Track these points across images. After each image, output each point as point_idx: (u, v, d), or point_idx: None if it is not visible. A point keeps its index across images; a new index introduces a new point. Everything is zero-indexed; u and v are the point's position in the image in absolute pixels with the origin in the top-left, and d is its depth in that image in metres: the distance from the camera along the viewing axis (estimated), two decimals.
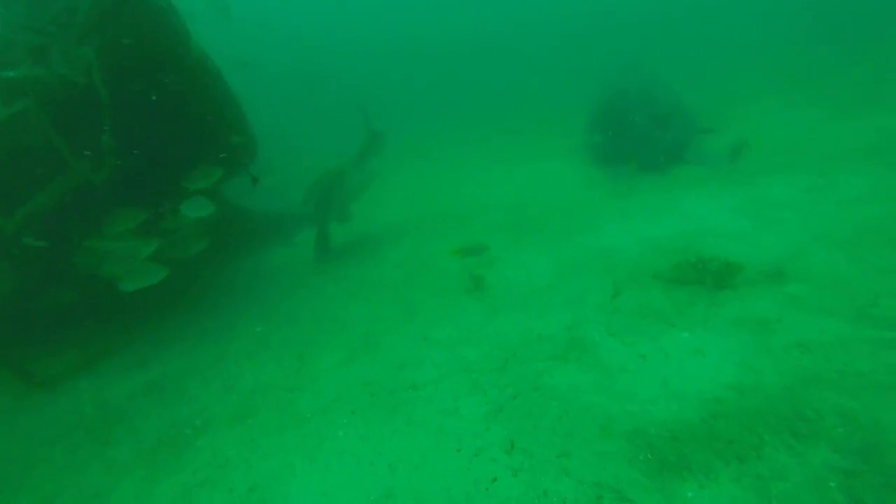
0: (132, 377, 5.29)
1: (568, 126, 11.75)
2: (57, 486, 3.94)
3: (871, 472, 2.45)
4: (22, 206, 5.01)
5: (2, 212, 4.95)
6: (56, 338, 6.21)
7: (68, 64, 4.81)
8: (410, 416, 3.92)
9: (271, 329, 6.17)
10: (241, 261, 8.78)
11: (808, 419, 2.80)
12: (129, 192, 5.10)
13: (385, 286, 6.68)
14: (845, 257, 4.15)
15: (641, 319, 4.21)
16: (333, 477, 3.40)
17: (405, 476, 3.26)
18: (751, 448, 2.74)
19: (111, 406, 4.86)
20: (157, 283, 5.16)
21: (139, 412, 4.60)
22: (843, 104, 8.97)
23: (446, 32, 33.29)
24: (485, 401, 3.85)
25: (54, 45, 5.12)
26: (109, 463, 4.06)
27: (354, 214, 9.33)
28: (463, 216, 8.45)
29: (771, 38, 17.75)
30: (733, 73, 14.14)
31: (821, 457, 2.60)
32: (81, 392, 5.22)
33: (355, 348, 5.22)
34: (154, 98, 4.85)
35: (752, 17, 21.82)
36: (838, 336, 3.26)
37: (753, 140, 8.35)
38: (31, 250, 5.08)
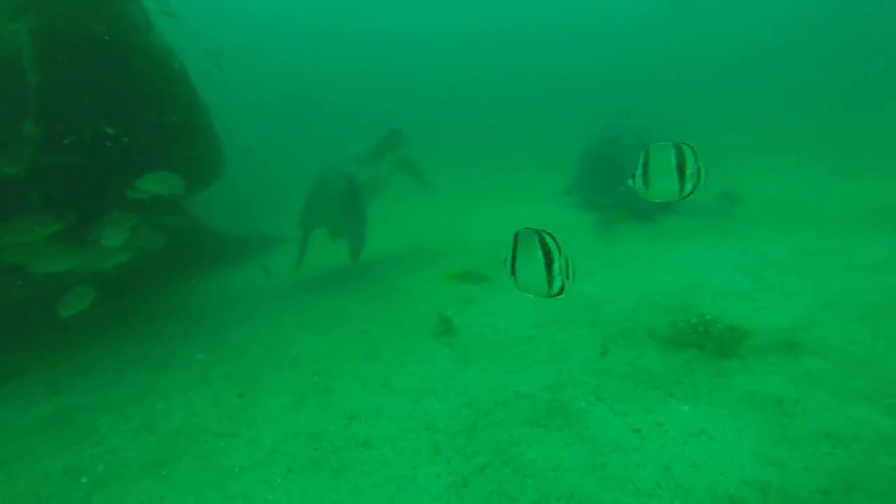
0: (36, 408, 4.47)
1: (559, 169, 11.38)
2: None
3: None
4: None
5: None
6: None
7: None
8: (357, 482, 3.21)
9: (214, 360, 5.42)
10: (197, 283, 8.02)
11: None
12: (60, 193, 4.41)
13: (348, 321, 5.99)
14: (867, 331, 3.62)
15: (635, 385, 3.60)
16: None
17: None
18: None
19: None
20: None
21: (30, 453, 3.78)
22: (839, 165, 8.71)
23: (446, 72, 33.50)
24: (448, 470, 3.17)
25: None
26: None
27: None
28: (443, 252, 7.86)
29: (767, 96, 17.91)
30: (726, 128, 14.05)
31: None
32: None
33: (305, 390, 4.50)
34: (99, 89, 4.24)
35: (747, 72, 22.15)
36: (875, 429, 2.68)
37: (748, 195, 8.00)
38: None
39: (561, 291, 2.03)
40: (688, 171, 2.03)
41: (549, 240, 1.99)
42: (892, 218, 5.93)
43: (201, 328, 6.35)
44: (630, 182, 2.15)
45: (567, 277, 2.02)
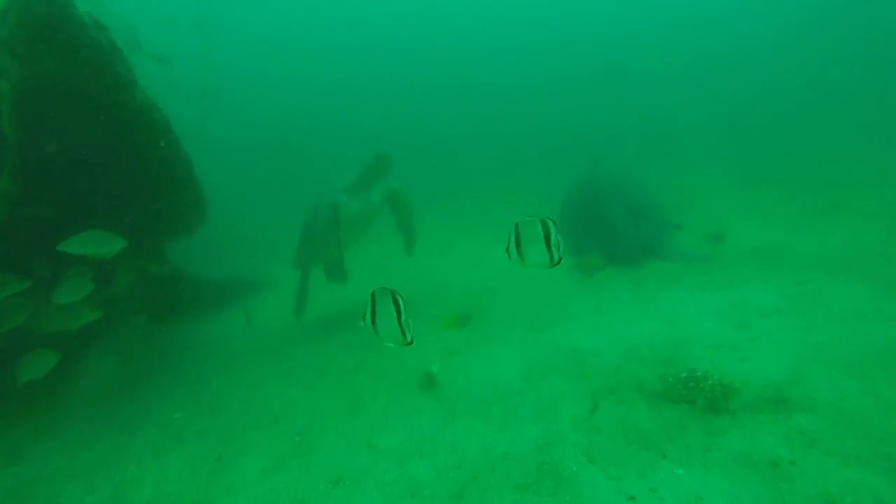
0: None
1: (539, 212, 11.46)
2: None
3: None
4: None
5: None
6: None
7: None
8: None
9: (191, 418, 5.20)
10: (176, 331, 7.77)
11: None
12: (32, 246, 4.25)
13: (331, 372, 5.82)
14: (856, 386, 3.59)
15: (627, 445, 3.50)
16: None
17: None
18: None
19: None
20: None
21: None
22: (815, 204, 8.88)
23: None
24: None
25: None
26: None
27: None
28: (424, 298, 7.75)
29: (739, 132, 18.36)
30: (700, 168, 14.34)
31: None
32: None
33: (285, 451, 4.31)
34: (80, 144, 4.14)
35: (717, 114, 22.75)
36: (876, 496, 2.61)
37: (728, 237, 8.08)
38: None
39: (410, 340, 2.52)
40: (552, 241, 2.31)
41: (399, 298, 2.53)
42: (867, 263, 6.03)
43: (179, 382, 6.11)
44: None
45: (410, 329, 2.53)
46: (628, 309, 5.92)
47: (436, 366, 5.15)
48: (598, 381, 4.44)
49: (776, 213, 9.05)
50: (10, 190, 3.85)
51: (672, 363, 4.40)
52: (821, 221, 8.11)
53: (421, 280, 8.83)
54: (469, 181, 19.08)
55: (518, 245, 2.37)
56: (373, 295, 2.63)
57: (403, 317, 2.51)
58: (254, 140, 20.71)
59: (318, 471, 3.97)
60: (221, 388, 5.79)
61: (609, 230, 7.68)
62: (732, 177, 12.94)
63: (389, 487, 3.61)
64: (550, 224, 2.32)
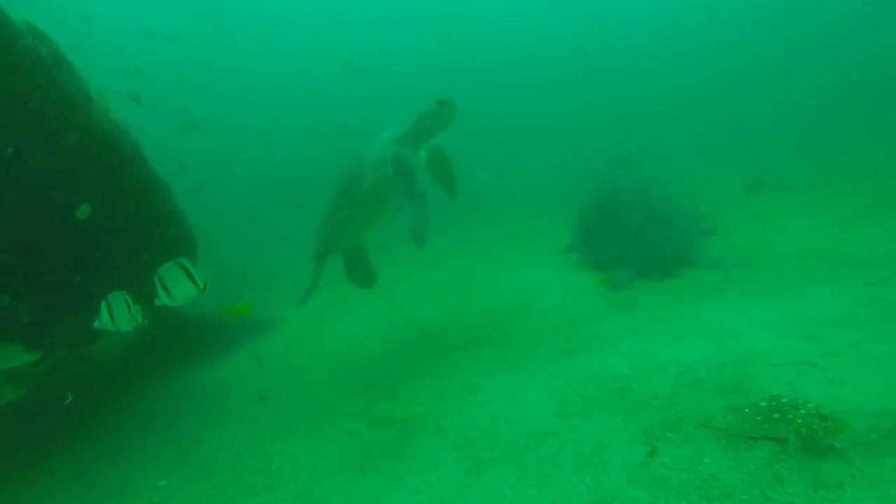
0: None
1: (558, 225, 10.69)
2: None
3: None
4: None
5: None
6: None
7: None
8: None
9: (178, 484, 4.44)
10: (171, 378, 7.04)
11: None
12: None
13: (336, 418, 5.03)
14: None
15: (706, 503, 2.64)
16: None
17: None
18: None
19: None
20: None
21: None
22: (847, 210, 7.96)
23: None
24: None
25: None
26: None
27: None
28: (438, 324, 6.96)
29: (764, 140, 17.42)
30: (720, 172, 13.51)
31: None
32: None
33: None
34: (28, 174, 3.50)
35: (742, 115, 21.76)
36: None
37: (761, 244, 7.24)
38: None
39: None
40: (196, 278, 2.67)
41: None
42: None
43: (168, 438, 5.34)
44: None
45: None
46: (670, 327, 5.06)
47: (419, 408, 4.37)
48: (651, 416, 3.59)
49: (810, 219, 8.12)
50: None
51: (740, 389, 3.54)
52: (864, 222, 7.21)
53: (434, 301, 8.05)
54: (483, 194, 18.42)
55: None
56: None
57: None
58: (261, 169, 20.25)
59: None
60: (214, 444, 5.00)
61: (634, 238, 6.86)
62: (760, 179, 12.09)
63: None
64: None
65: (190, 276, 3.19)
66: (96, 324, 3.22)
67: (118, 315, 3.21)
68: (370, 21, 36.86)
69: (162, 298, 3.18)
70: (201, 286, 3.20)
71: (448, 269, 10.02)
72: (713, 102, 24.61)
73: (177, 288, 3.17)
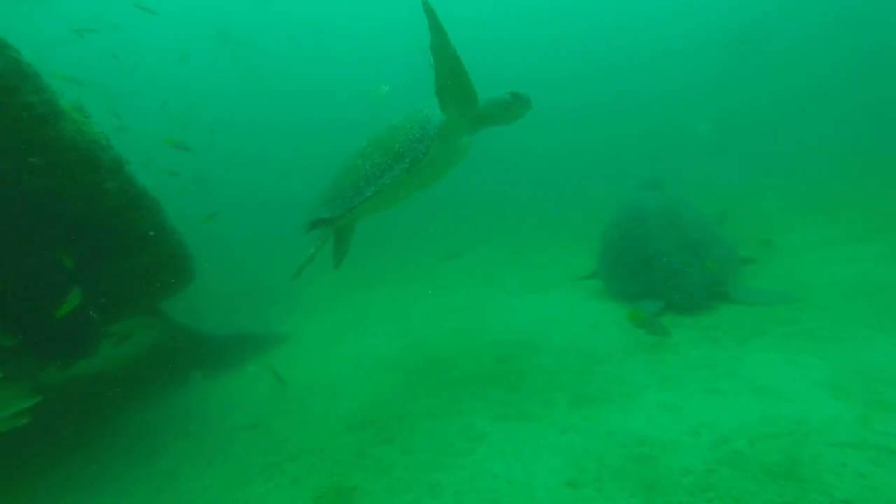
0: None
1: (583, 247, 9.98)
2: None
3: None
4: None
5: None
6: None
7: None
8: None
9: None
10: (166, 397, 6.63)
11: None
12: None
13: (326, 460, 4.46)
14: None
15: None
16: None
17: None
18: None
19: None
20: None
21: None
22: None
23: None
24: None
25: None
26: None
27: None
28: (447, 357, 6.34)
29: (799, 164, 16.30)
30: (753, 198, 12.57)
31: None
32: None
33: None
34: None
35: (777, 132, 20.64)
36: None
37: (807, 277, 6.41)
38: None
39: None
40: None
41: None
42: None
43: (146, 474, 4.87)
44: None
45: None
46: (703, 376, 4.34)
47: (445, 476, 3.74)
48: (679, 499, 2.91)
49: (856, 248, 7.23)
50: None
51: (794, 476, 2.82)
52: None
53: (447, 327, 7.45)
54: (493, 220, 17.76)
55: None
56: None
57: None
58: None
59: None
60: (191, 486, 4.49)
61: (663, 268, 6.14)
62: (786, 203, 11.17)
63: None
64: None
65: None
66: None
67: None
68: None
69: None
70: None
71: (464, 291, 9.41)
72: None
73: None
